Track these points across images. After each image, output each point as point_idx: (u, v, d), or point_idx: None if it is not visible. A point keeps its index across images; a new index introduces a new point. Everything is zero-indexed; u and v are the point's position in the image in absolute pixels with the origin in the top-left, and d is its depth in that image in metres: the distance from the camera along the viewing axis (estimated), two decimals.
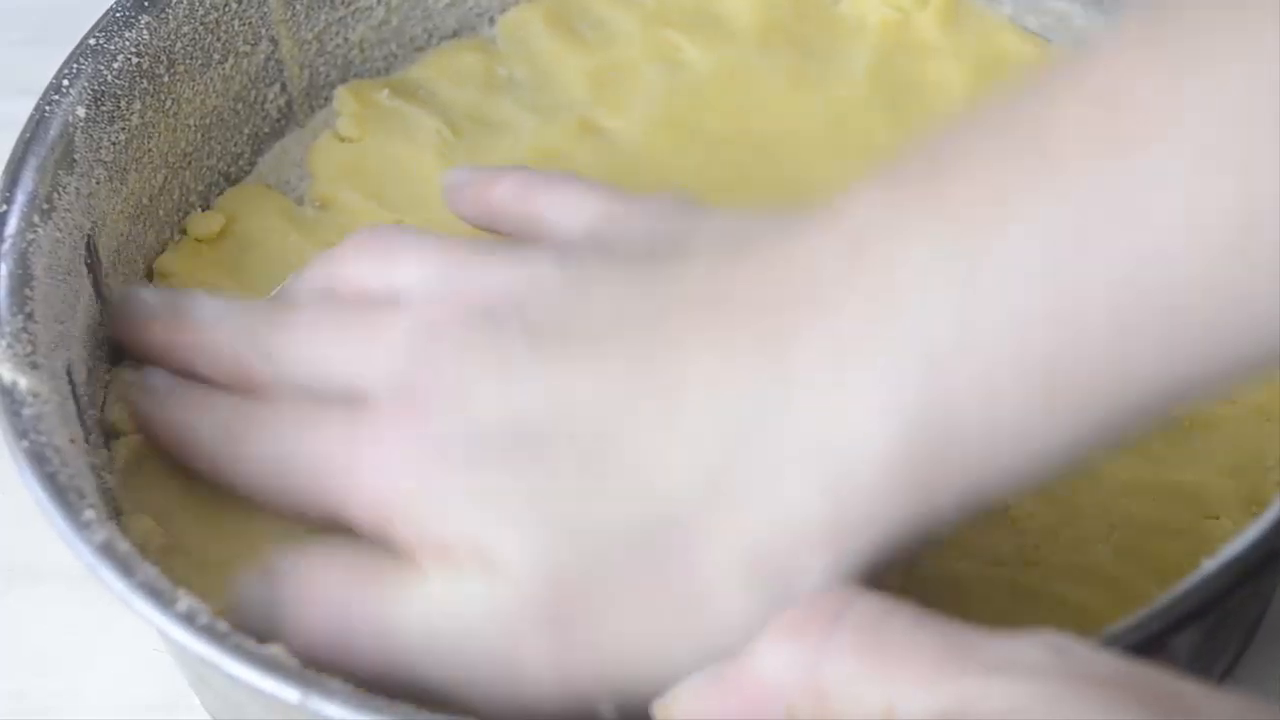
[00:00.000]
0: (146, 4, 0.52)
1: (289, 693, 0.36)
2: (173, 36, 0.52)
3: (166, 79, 0.52)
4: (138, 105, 0.51)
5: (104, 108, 0.50)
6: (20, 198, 0.46)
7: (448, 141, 0.55)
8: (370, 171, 0.55)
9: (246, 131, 0.56)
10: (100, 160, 0.50)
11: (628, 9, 0.58)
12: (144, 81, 0.51)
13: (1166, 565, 0.44)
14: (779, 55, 0.56)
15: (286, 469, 0.42)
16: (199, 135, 0.54)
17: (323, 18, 0.56)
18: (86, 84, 0.49)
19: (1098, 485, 0.45)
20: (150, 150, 0.52)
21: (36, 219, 0.46)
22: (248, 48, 0.55)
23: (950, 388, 0.32)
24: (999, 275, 0.32)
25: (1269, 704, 0.30)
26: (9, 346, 0.43)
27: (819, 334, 0.34)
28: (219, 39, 0.54)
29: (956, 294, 0.32)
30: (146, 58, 0.51)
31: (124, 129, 0.51)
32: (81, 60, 0.50)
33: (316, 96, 0.57)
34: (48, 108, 0.49)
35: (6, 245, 0.45)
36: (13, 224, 0.46)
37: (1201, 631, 0.41)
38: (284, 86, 0.56)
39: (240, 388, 0.44)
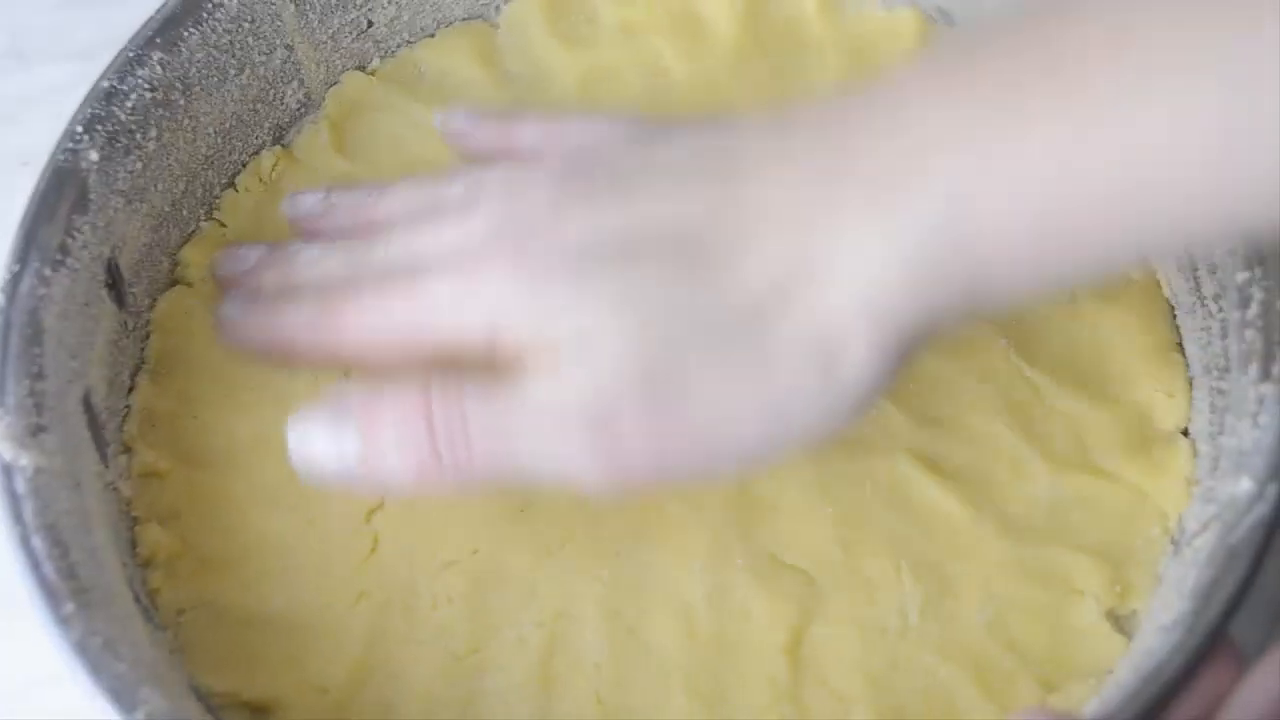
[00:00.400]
0: (159, 40, 0.53)
1: None
2: (187, 65, 0.54)
3: (183, 102, 0.54)
4: (154, 132, 0.53)
5: (118, 145, 0.51)
6: (33, 257, 0.48)
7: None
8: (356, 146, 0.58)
9: (267, 126, 0.58)
10: (117, 191, 0.51)
11: (619, 4, 0.60)
12: (159, 110, 0.53)
13: (1029, 642, 0.49)
14: (751, 70, 0.58)
15: (395, 322, 0.46)
16: (219, 139, 0.56)
17: (336, 20, 0.58)
18: (100, 128, 0.51)
19: (976, 558, 0.50)
20: (169, 166, 0.54)
21: (49, 271, 0.48)
22: (263, 58, 0.57)
23: (963, 221, 0.40)
24: (1010, 149, 0.40)
25: None
26: (11, 423, 0.45)
27: (863, 176, 0.41)
28: (234, 56, 0.55)
29: (975, 159, 0.40)
30: (161, 90, 0.53)
31: (140, 157, 0.52)
32: (95, 104, 0.51)
33: (334, 83, 0.59)
34: (62, 158, 0.50)
35: (16, 309, 0.47)
36: (25, 284, 0.47)
37: None
38: (301, 82, 0.58)
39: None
